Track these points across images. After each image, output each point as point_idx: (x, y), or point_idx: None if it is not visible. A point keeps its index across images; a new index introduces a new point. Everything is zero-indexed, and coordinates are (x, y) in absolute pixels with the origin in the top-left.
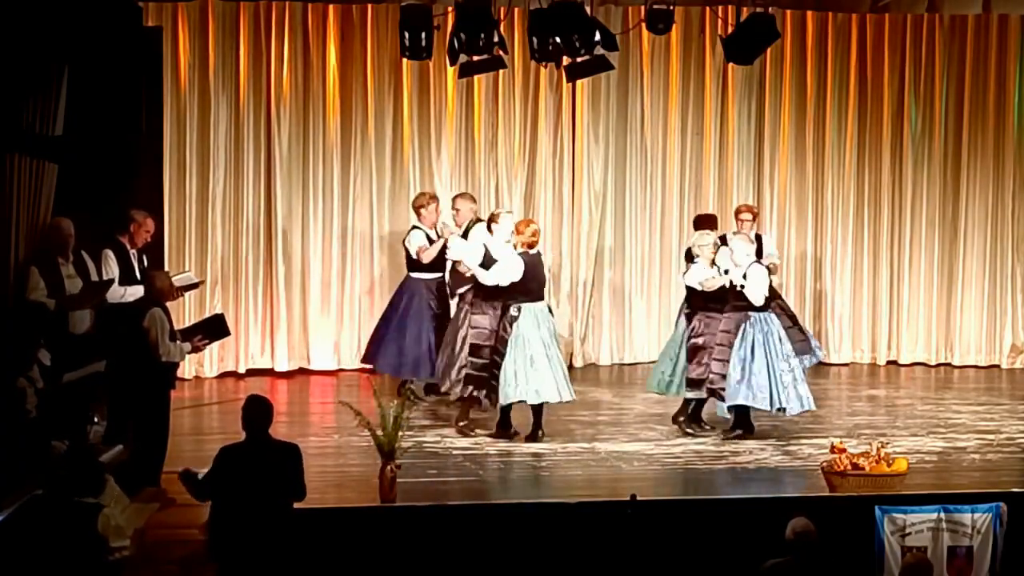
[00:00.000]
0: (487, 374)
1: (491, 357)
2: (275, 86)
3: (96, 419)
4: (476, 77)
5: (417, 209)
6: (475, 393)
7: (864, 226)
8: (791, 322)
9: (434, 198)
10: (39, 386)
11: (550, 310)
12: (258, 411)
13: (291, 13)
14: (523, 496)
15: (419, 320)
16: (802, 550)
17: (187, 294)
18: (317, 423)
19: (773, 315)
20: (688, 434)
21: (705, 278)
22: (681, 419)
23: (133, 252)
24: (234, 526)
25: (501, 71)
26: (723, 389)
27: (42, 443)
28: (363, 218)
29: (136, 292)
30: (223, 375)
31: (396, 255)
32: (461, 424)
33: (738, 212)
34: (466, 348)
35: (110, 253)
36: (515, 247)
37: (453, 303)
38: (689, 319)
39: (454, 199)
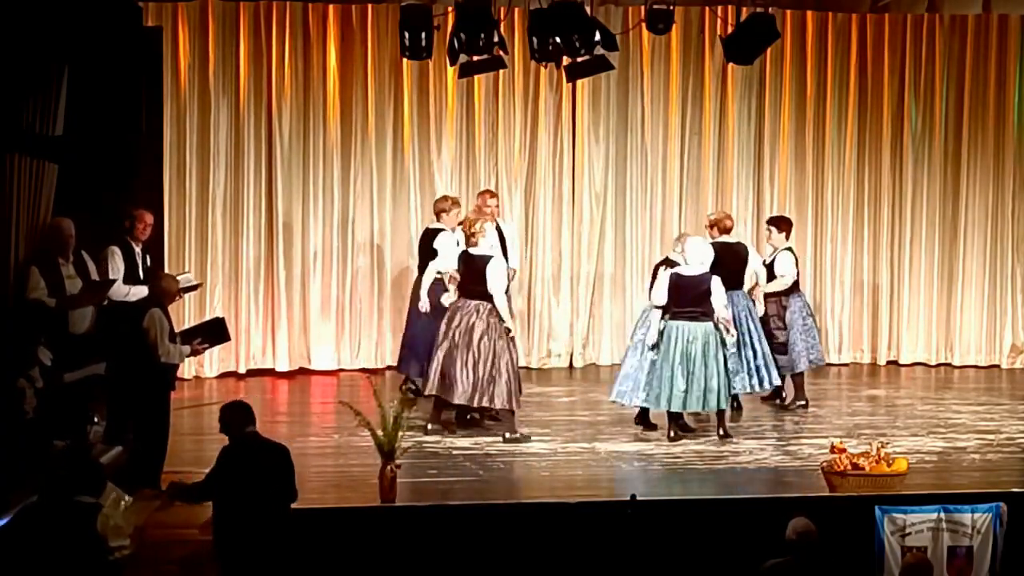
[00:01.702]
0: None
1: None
2: (275, 86)
3: (96, 419)
4: (476, 77)
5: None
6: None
7: (864, 226)
8: None
9: (457, 202)
10: (39, 386)
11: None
12: (233, 415)
13: (291, 13)
14: (523, 496)
15: None
16: (802, 550)
17: (187, 295)
18: (317, 423)
19: None
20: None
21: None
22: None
23: (138, 251)
24: (235, 525)
25: (501, 71)
26: None
27: (42, 443)
28: (363, 218)
29: (140, 292)
30: (224, 375)
31: (396, 254)
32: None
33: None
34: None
35: (116, 251)
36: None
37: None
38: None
39: (485, 196)
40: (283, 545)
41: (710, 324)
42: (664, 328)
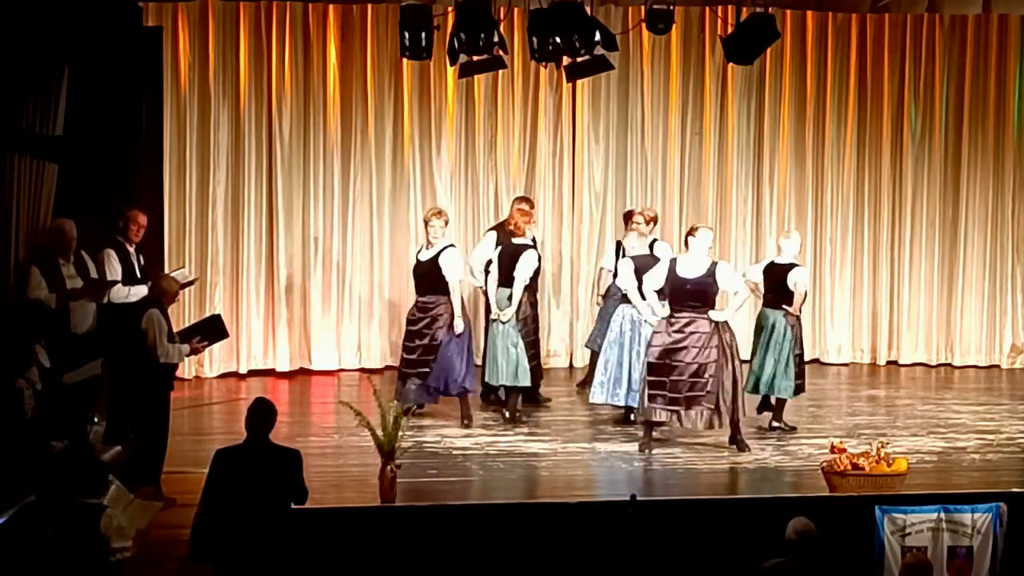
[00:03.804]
0: None
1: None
2: (275, 86)
3: (96, 419)
4: (476, 77)
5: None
6: None
7: (864, 226)
8: None
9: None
10: (38, 387)
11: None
12: (261, 414)
13: (291, 13)
14: (523, 496)
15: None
16: (802, 550)
17: (187, 295)
18: (317, 423)
19: None
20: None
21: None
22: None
23: (132, 251)
24: (225, 528)
25: (501, 71)
26: None
27: (40, 444)
28: (363, 218)
29: (139, 292)
30: (224, 375)
31: (396, 254)
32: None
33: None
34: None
35: (112, 253)
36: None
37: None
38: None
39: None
40: (276, 549)
41: (781, 313)
42: (759, 315)
